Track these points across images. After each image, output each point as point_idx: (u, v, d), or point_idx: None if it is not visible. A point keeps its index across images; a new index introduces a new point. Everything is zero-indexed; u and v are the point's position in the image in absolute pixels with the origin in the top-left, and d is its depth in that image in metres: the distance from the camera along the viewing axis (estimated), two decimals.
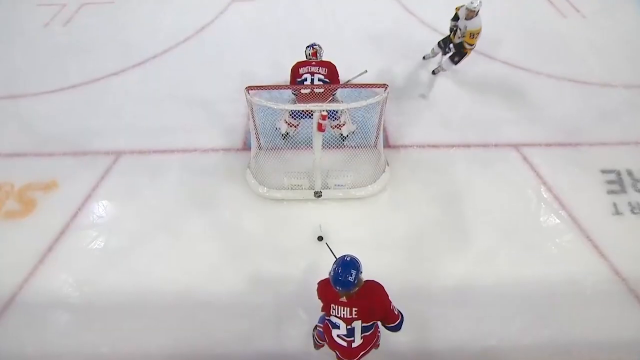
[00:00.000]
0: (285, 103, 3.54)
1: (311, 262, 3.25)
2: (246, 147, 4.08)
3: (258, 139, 3.63)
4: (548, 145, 4.20)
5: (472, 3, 3.97)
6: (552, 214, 3.63)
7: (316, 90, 3.44)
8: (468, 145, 4.17)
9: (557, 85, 4.96)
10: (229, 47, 5.58)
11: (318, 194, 3.63)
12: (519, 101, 4.73)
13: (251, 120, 3.46)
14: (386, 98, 3.17)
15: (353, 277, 1.90)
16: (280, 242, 3.40)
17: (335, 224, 3.49)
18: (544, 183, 3.85)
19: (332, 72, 3.74)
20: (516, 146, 4.17)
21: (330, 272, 1.96)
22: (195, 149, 4.13)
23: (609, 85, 4.96)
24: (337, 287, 1.94)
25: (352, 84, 3.77)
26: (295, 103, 3.66)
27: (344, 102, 3.03)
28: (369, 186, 3.67)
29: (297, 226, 3.47)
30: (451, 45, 4.49)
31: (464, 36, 4.23)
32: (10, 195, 3.80)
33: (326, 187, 3.63)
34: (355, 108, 3.00)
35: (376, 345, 2.30)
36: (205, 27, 5.94)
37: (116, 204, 3.75)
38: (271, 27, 5.92)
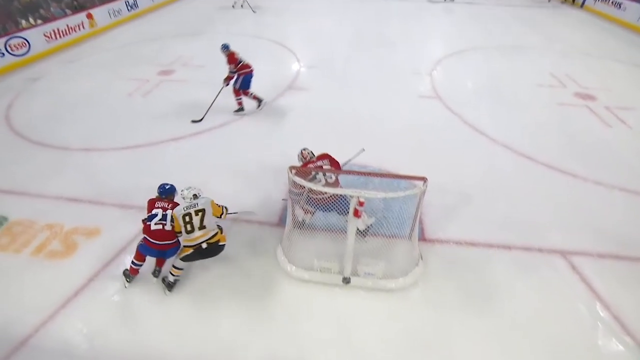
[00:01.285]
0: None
1: (331, 354, 3.01)
2: (281, 223, 4.16)
3: (294, 217, 3.69)
4: (600, 256, 3.87)
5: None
6: (613, 338, 3.17)
7: (329, 180, 3.66)
8: (509, 247, 3.95)
9: (607, 194, 4.75)
10: (279, 127, 6.06)
11: (347, 280, 3.49)
12: (565, 206, 4.53)
13: (290, 198, 3.57)
14: (424, 191, 3.19)
15: (169, 185, 3.70)
16: (301, 327, 3.22)
17: (361, 316, 3.29)
18: (599, 299, 3.45)
19: (332, 160, 3.89)
20: (563, 253, 3.88)
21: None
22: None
23: None
24: (162, 196, 3.65)
25: (391, 174, 3.85)
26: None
27: (383, 191, 3.06)
28: (400, 278, 3.50)
29: (320, 312, 3.30)
30: None
31: None
32: (57, 235, 4.07)
33: (355, 274, 3.50)
34: (392, 198, 3.01)
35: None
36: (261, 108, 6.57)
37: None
38: (320, 114, 6.40)
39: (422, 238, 3.98)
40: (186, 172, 5.02)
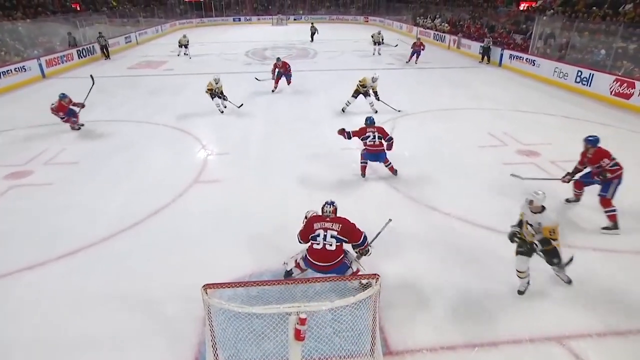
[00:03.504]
0: (251, 302, 3.46)
1: None
2: None
3: (215, 353, 3.36)
4: (601, 335, 4.05)
5: (536, 195, 4.30)
6: None
7: (327, 248, 4.18)
8: (494, 343, 3.97)
9: (583, 256, 5.07)
10: (185, 235, 5.79)
11: None
12: (543, 280, 4.80)
13: (208, 327, 3.29)
14: (379, 291, 3.16)
15: None
16: None
17: None
18: None
19: (346, 228, 4.28)
20: (558, 339, 4.00)
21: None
22: None
23: None
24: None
25: (335, 276, 3.83)
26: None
27: (329, 300, 2.97)
28: None
29: None
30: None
31: (540, 232, 4.31)
32: None
33: None
34: (341, 307, 2.92)
35: None
36: (159, 211, 6.34)
37: None
38: (236, 211, 6.33)
39: (388, 352, 3.83)
40: (50, 313, 4.39)
